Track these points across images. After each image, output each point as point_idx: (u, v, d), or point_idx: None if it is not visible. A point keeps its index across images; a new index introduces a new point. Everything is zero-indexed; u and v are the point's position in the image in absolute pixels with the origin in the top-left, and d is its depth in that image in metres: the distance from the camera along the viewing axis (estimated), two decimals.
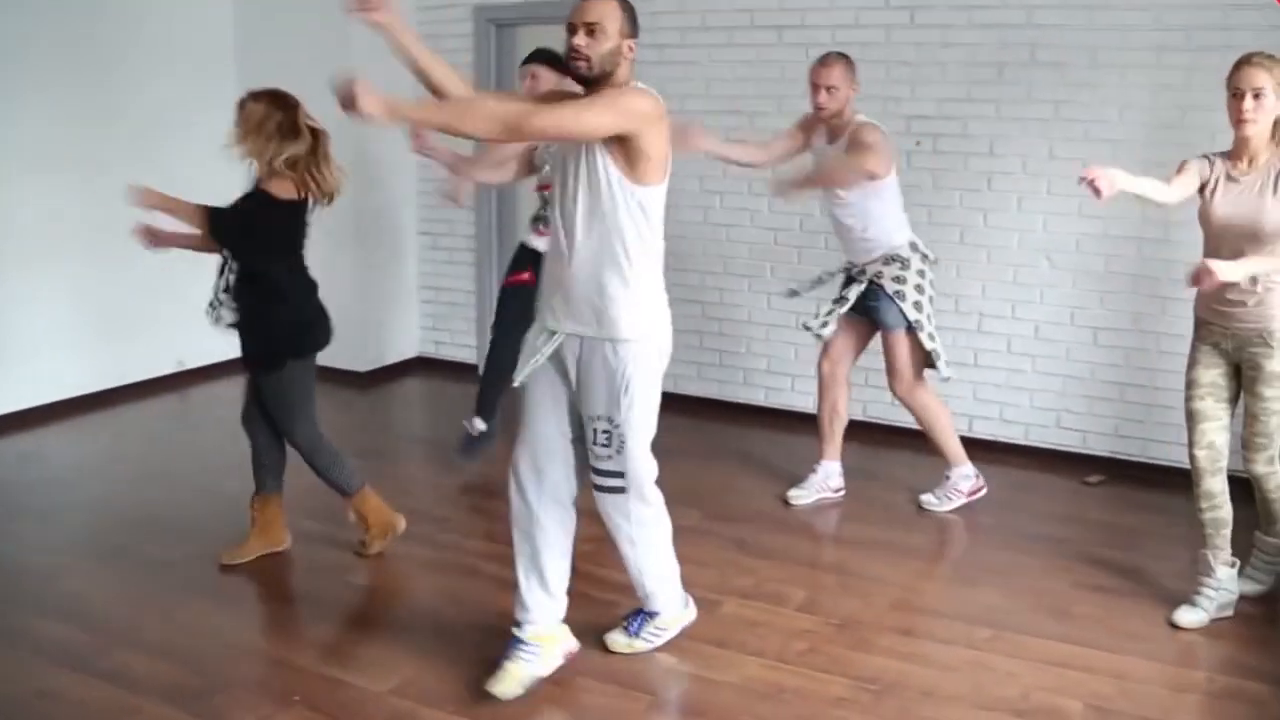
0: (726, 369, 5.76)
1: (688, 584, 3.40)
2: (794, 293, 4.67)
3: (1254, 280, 3.28)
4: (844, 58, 4.19)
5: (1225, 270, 3.09)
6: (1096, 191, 3.11)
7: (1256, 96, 3.21)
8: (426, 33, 6.24)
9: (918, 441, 4.61)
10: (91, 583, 3.77)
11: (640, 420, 3.02)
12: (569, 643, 3.20)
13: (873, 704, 3.05)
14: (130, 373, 5.96)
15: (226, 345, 6.26)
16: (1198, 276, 3.08)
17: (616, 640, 3.30)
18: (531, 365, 3.10)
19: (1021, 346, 5.11)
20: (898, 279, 4.25)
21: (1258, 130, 3.25)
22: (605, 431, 3.01)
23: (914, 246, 4.30)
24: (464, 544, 4.15)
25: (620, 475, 3.07)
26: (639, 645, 3.30)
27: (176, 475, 4.88)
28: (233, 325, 3.78)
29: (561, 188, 2.99)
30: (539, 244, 4.45)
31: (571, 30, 2.86)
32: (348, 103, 2.54)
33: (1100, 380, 4.98)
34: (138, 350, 5.99)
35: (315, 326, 3.85)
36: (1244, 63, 3.25)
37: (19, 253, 5.39)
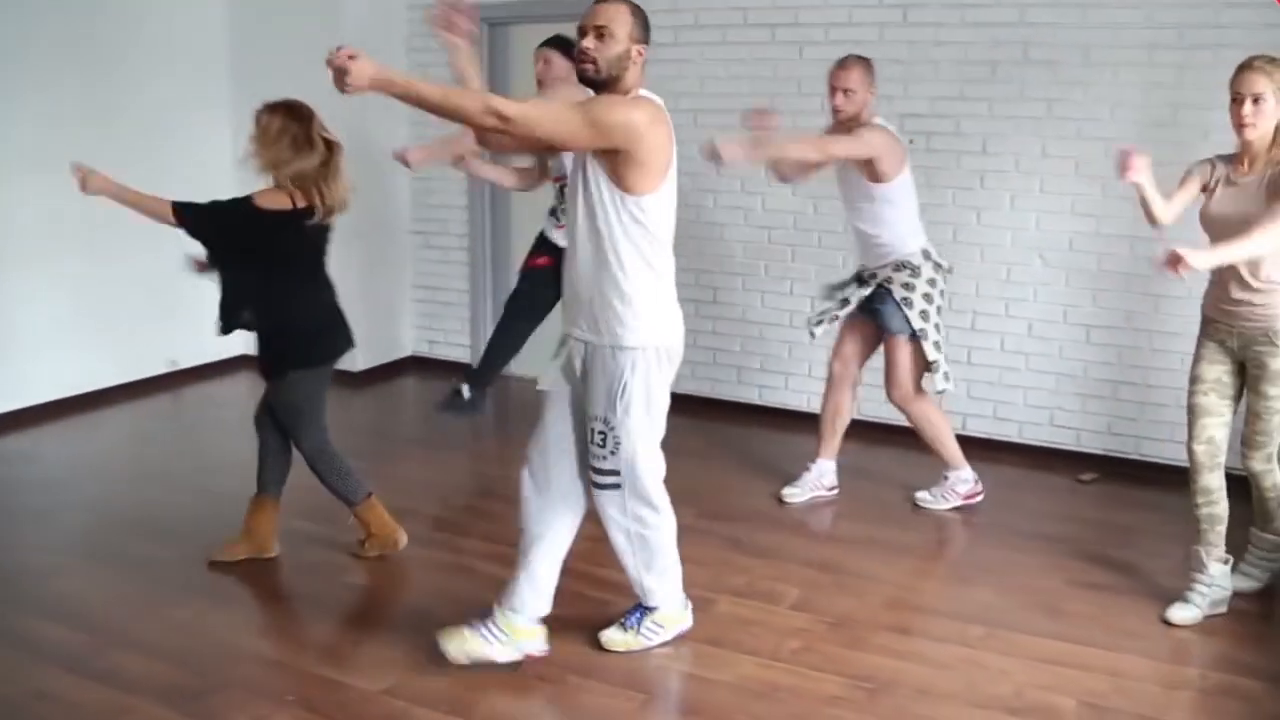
0: (720, 367, 5.77)
1: (682, 583, 3.41)
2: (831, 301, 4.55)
3: (1254, 270, 3.30)
4: (863, 61, 4.16)
5: (1197, 259, 3.05)
6: (1125, 169, 3.28)
7: (1256, 101, 3.22)
8: (419, 32, 6.26)
9: (912, 439, 4.62)
10: (86, 583, 3.76)
11: (638, 424, 3.05)
12: (537, 644, 3.21)
13: (867, 702, 3.05)
14: (124, 373, 5.95)
15: (219, 345, 6.30)
16: (1170, 261, 3.03)
17: (613, 638, 3.30)
18: (550, 368, 3.19)
19: (1015, 345, 5.12)
20: (907, 285, 4.24)
21: (1258, 134, 3.27)
22: (601, 432, 3.06)
23: (927, 254, 4.28)
24: (458, 544, 4.14)
25: (616, 474, 3.11)
26: (636, 641, 3.30)
27: (171, 475, 4.87)
28: (245, 328, 3.78)
29: (570, 190, 3.07)
30: (556, 236, 4.50)
31: (581, 33, 2.91)
32: (339, 76, 2.51)
33: (1093, 378, 4.99)
34: (131, 350, 5.98)
35: (324, 337, 3.84)
36: (1244, 67, 3.26)
37: (14, 253, 5.38)
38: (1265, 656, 3.33)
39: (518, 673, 3.19)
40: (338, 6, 5.94)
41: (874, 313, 4.35)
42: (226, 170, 6.25)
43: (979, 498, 4.51)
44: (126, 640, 3.36)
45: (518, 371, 6.24)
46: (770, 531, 4.28)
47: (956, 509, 4.48)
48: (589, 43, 2.88)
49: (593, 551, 3.57)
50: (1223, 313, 3.45)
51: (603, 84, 2.91)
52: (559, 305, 4.37)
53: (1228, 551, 3.56)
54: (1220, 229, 3.36)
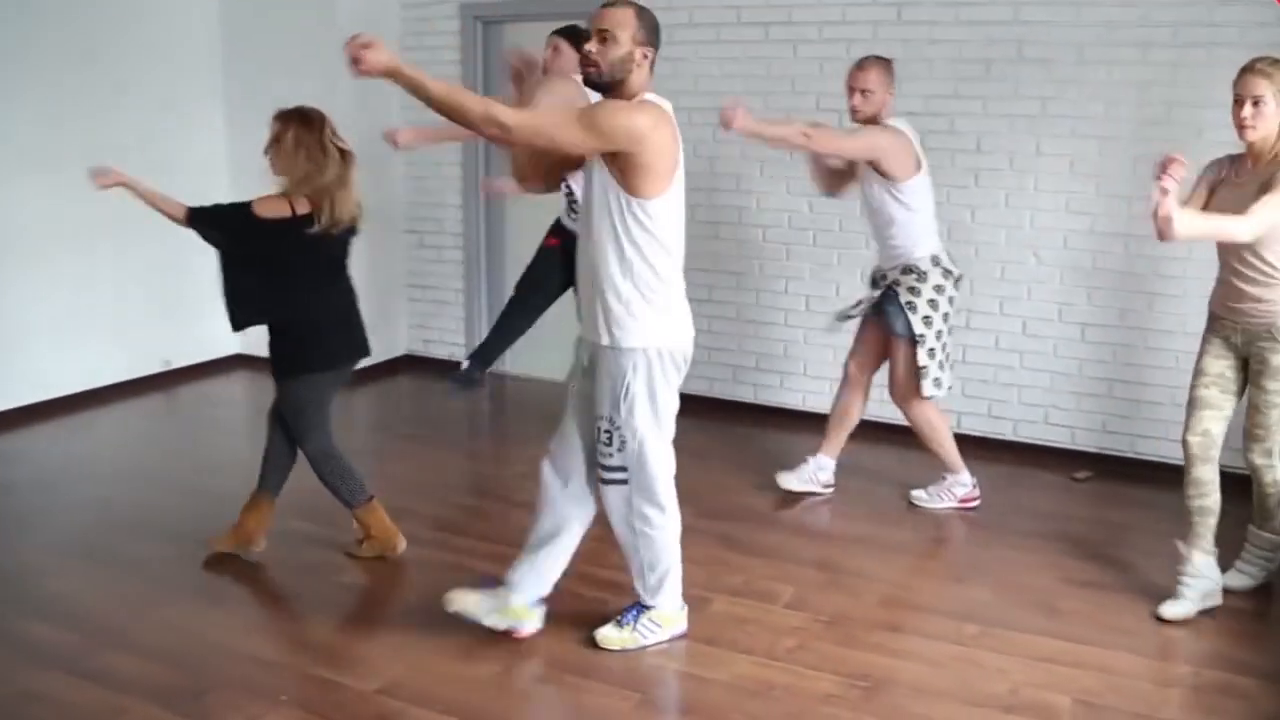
0: (715, 365, 5.76)
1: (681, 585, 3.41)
2: (846, 317, 4.57)
3: (1258, 264, 3.32)
4: (881, 61, 4.16)
5: (1182, 222, 3.01)
6: (1164, 192, 3.00)
7: (1256, 104, 3.23)
8: (413, 30, 6.26)
9: (907, 438, 4.62)
10: (79, 583, 3.75)
11: (644, 424, 3.11)
12: (530, 624, 3.32)
13: (862, 700, 3.05)
14: (119, 372, 5.94)
15: (214, 345, 6.32)
16: (1161, 218, 3.00)
17: (609, 635, 3.31)
18: (573, 366, 3.27)
19: (1009, 343, 5.12)
20: (912, 289, 4.23)
21: (1259, 136, 3.27)
22: (607, 431, 3.13)
23: (936, 260, 4.26)
24: (454, 542, 4.14)
25: (622, 470, 3.17)
26: (632, 639, 3.30)
27: (164, 475, 4.86)
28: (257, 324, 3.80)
29: (583, 189, 3.11)
30: (567, 222, 4.52)
31: (587, 37, 2.96)
32: (356, 58, 2.62)
33: (1088, 376, 5.00)
34: (127, 350, 5.97)
35: (330, 344, 3.83)
36: (1246, 69, 3.27)
37: (12, 252, 5.37)
38: (1259, 654, 3.33)
39: (513, 672, 3.20)
40: (333, 4, 5.93)
41: (882, 313, 4.35)
42: (222, 168, 6.28)
43: (975, 503, 4.50)
44: (121, 640, 3.35)
45: (516, 371, 6.26)
46: (766, 530, 4.28)
47: (951, 510, 4.48)
48: (593, 46, 2.94)
49: (595, 551, 3.57)
50: (1229, 310, 3.48)
51: (607, 87, 2.96)
52: (567, 294, 4.38)
53: (1226, 549, 3.56)
54: None
